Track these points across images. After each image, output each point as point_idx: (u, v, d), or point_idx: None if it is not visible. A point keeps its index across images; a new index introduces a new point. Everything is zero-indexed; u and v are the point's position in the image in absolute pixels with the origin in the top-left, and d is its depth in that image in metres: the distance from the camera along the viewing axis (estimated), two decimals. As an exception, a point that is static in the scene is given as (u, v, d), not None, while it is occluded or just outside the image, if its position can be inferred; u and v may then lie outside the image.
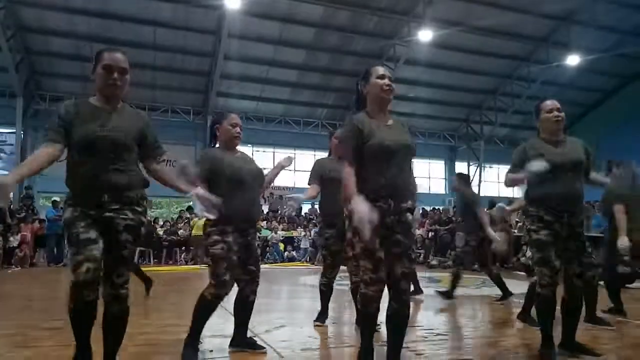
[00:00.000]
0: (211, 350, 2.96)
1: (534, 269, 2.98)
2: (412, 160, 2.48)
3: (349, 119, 2.48)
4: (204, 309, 2.74)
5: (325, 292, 3.86)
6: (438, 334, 3.61)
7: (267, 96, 16.62)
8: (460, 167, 20.54)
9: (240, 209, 2.80)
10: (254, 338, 3.08)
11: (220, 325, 3.40)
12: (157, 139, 2.39)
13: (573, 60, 15.44)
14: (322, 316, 3.87)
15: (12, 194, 2.19)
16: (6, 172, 2.38)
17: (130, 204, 2.22)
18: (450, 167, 20.72)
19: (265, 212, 15.53)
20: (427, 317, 4.50)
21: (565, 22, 15.15)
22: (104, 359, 2.24)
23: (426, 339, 3.44)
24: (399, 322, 2.36)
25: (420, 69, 16.10)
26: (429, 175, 20.78)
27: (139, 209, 2.26)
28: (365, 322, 2.43)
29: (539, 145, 2.97)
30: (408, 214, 2.35)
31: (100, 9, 12.80)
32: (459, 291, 5.58)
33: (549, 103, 3.01)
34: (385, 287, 2.33)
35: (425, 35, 13.97)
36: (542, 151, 2.90)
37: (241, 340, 2.94)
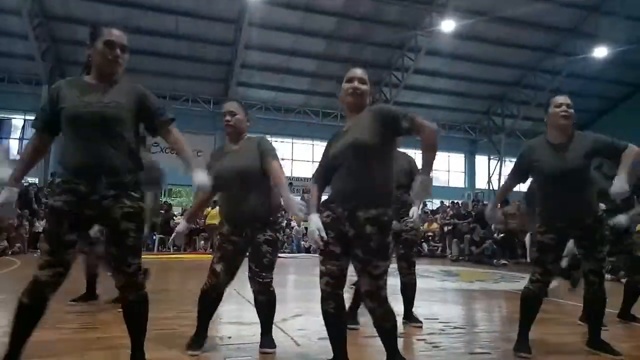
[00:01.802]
0: (229, 337, 3.00)
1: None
2: (370, 159, 2.17)
3: None
4: (202, 299, 2.76)
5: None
6: (455, 327, 3.60)
7: (286, 86, 16.64)
8: (481, 160, 20.28)
9: (226, 210, 2.78)
10: (273, 326, 3.11)
11: (236, 312, 3.45)
12: (160, 107, 2.22)
13: (601, 52, 15.03)
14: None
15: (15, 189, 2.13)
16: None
17: (126, 190, 2.09)
18: (470, 161, 20.48)
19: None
20: (446, 310, 4.48)
21: (593, 13, 14.72)
22: (132, 349, 2.19)
23: (443, 331, 3.43)
24: (380, 331, 2.23)
25: (441, 60, 15.88)
26: (448, 169, 20.58)
27: (136, 195, 2.13)
28: (325, 322, 2.26)
29: (539, 150, 2.90)
30: (367, 226, 2.12)
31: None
32: (476, 285, 5.53)
33: (561, 98, 2.90)
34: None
35: (447, 25, 13.76)
36: (540, 157, 2.86)
37: (261, 339, 2.83)
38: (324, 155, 2.40)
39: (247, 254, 2.76)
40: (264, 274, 2.69)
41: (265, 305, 2.76)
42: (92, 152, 2.05)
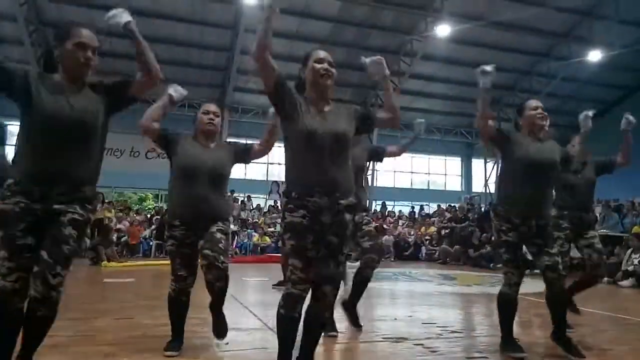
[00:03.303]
0: (227, 343, 2.99)
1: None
2: (348, 151, 2.20)
3: None
4: (171, 304, 2.80)
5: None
6: (453, 332, 3.59)
7: (283, 92, 16.65)
8: (477, 164, 20.35)
9: (185, 210, 2.74)
10: (269, 331, 3.10)
11: (234, 319, 3.43)
12: (120, 77, 2.19)
13: (595, 55, 15.11)
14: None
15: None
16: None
17: (81, 200, 2.00)
18: (466, 164, 20.53)
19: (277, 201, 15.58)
20: (443, 315, 4.47)
21: (587, 17, 14.82)
22: (19, 354, 1.98)
23: (441, 336, 3.42)
24: (313, 323, 2.19)
25: (437, 65, 15.95)
26: (445, 172, 20.63)
27: (90, 207, 2.04)
28: (287, 328, 2.13)
29: (521, 138, 3.05)
30: (347, 214, 2.15)
31: (120, 4, 12.91)
32: (474, 289, 5.53)
33: (534, 102, 3.14)
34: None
35: (443, 30, 13.82)
36: (522, 143, 2.99)
37: (215, 327, 2.88)
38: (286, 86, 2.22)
39: (199, 244, 2.71)
40: (221, 257, 2.67)
41: (223, 292, 2.74)
42: (57, 159, 1.95)
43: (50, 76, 2.07)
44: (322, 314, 2.21)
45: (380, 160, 3.85)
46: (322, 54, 2.28)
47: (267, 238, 12.59)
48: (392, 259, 12.02)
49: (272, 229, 12.95)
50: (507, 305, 2.94)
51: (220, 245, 2.68)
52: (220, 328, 2.89)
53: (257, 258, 11.00)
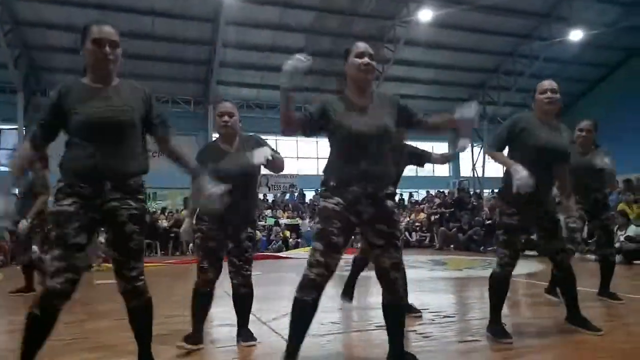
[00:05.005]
0: (221, 339, 2.98)
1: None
2: (388, 145, 2.28)
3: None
4: (193, 298, 2.84)
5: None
6: (445, 316, 3.62)
7: (267, 83, 16.51)
8: (464, 148, 20.43)
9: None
10: (264, 326, 3.10)
11: (227, 314, 3.42)
12: (161, 114, 2.23)
13: (576, 35, 15.22)
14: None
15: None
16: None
17: (132, 193, 2.07)
18: (453, 149, 20.61)
19: (270, 200, 15.58)
20: (435, 300, 4.51)
21: (567, -3, 14.89)
22: (138, 354, 2.16)
23: (433, 321, 3.45)
24: (394, 312, 2.29)
25: (420, 50, 15.95)
26: (432, 157, 20.71)
27: (141, 197, 2.12)
28: (297, 312, 2.18)
29: (534, 121, 2.92)
30: (389, 201, 2.24)
31: (97, 1, 12.68)
32: (465, 273, 5.58)
33: (546, 83, 2.94)
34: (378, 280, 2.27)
35: (425, 15, 13.79)
36: (535, 128, 2.87)
37: (240, 334, 2.91)
38: (321, 113, 2.24)
39: (228, 249, 2.83)
40: (246, 266, 2.83)
41: (247, 298, 2.88)
42: (104, 157, 2.02)
43: (78, 81, 2.13)
44: (397, 301, 2.27)
45: (422, 166, 3.82)
46: (362, 47, 2.27)
47: (257, 233, 12.53)
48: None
49: (263, 223, 12.87)
50: (499, 287, 2.94)
51: (247, 254, 2.83)
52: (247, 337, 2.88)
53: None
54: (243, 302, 2.89)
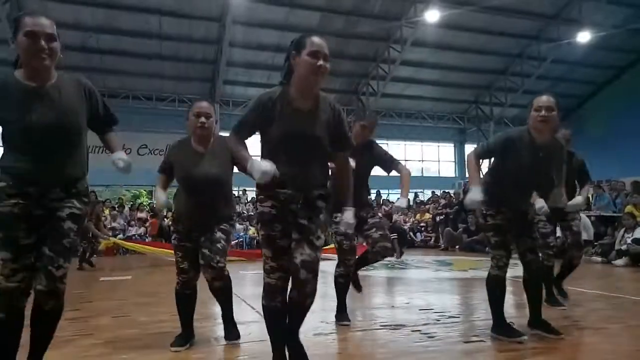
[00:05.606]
0: (224, 336, 2.99)
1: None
2: (322, 151, 2.17)
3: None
4: (177, 298, 2.84)
5: (343, 285, 3.43)
6: (450, 317, 3.61)
7: (273, 83, 16.44)
8: (470, 149, 20.37)
9: (189, 212, 2.76)
10: (264, 323, 3.10)
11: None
12: (106, 105, 2.13)
13: (584, 37, 15.13)
14: (342, 313, 3.42)
15: None
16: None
17: (77, 195, 2.01)
18: (459, 150, 20.55)
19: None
20: (440, 300, 4.50)
21: (575, -2, 14.81)
22: (28, 357, 1.99)
23: (438, 321, 3.44)
24: (295, 311, 2.16)
25: (427, 51, 15.89)
26: (438, 159, 20.66)
27: (86, 199, 2.06)
28: (270, 318, 2.16)
29: (525, 142, 2.82)
30: (319, 201, 2.16)
31: (105, 0, 12.76)
32: (470, 274, 5.57)
33: (543, 100, 2.80)
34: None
35: (432, 15, 13.76)
36: (522, 150, 2.80)
37: (225, 332, 2.90)
38: (259, 113, 2.11)
39: (200, 242, 2.74)
40: (217, 258, 2.67)
41: (223, 292, 2.81)
42: (47, 162, 1.93)
43: (11, 75, 1.94)
44: (303, 301, 2.11)
45: (387, 172, 3.80)
46: (317, 44, 2.06)
47: (238, 226, 12.57)
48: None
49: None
50: (497, 288, 2.95)
51: (219, 245, 2.69)
52: (231, 335, 2.88)
53: (251, 252, 10.96)
54: (218, 297, 2.83)
